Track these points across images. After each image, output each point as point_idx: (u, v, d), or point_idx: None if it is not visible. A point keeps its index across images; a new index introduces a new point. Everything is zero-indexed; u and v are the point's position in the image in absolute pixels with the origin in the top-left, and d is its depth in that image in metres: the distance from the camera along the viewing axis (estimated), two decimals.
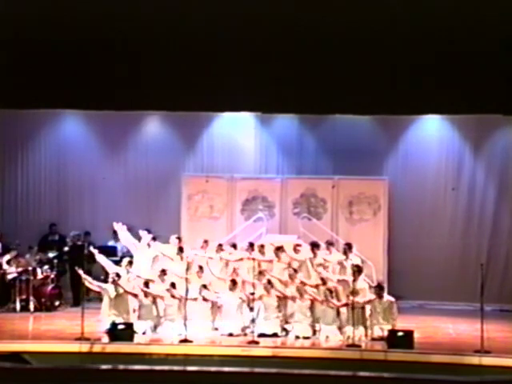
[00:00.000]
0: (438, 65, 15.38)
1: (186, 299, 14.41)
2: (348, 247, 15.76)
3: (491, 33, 14.90)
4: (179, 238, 16.33)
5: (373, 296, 14.56)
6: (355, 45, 15.24)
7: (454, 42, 15.10)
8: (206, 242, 16.21)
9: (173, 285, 14.89)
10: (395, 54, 15.29)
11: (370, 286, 15.00)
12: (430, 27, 15.02)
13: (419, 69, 15.38)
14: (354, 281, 14.51)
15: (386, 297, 14.65)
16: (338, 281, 15.07)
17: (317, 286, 14.95)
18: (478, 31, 14.88)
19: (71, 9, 15.05)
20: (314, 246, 15.81)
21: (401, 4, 14.79)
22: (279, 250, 15.76)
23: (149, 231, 16.46)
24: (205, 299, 14.82)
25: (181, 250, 15.81)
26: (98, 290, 15.27)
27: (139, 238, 16.35)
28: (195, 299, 14.68)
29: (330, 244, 16.01)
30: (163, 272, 15.30)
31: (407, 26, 15.03)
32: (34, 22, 15.22)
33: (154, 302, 14.89)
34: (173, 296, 14.74)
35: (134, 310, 14.87)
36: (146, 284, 14.93)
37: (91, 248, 15.72)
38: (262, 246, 16.01)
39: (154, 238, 16.28)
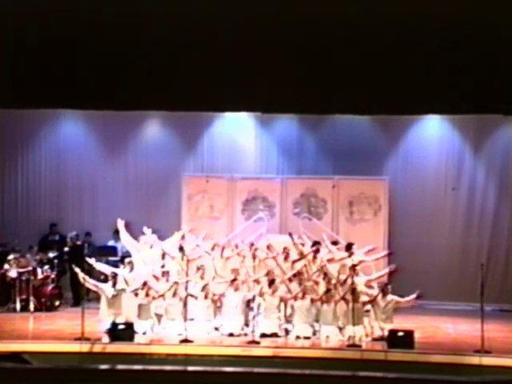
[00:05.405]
0: (439, 65, 15.38)
1: (187, 295, 14.40)
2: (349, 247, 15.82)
3: (491, 33, 14.91)
4: (183, 236, 16.35)
5: (376, 292, 14.60)
6: (355, 45, 15.25)
7: (454, 42, 15.11)
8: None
9: (176, 283, 14.90)
10: (395, 54, 15.30)
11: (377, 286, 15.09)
12: (429, 27, 15.02)
13: (419, 69, 15.39)
14: (353, 280, 14.55)
15: (390, 296, 14.67)
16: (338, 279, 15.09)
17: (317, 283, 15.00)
18: (478, 31, 14.89)
19: (71, 8, 15.05)
20: (316, 245, 15.83)
21: (401, 4, 14.80)
22: (285, 250, 15.82)
23: (152, 232, 16.43)
24: (206, 297, 14.83)
25: (181, 249, 15.80)
26: (94, 288, 15.25)
27: (139, 236, 16.33)
28: (196, 297, 14.69)
29: (334, 244, 16.03)
30: (167, 272, 15.32)
31: (407, 27, 15.03)
32: (34, 22, 15.22)
33: (154, 300, 14.89)
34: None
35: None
36: (145, 283, 14.93)
37: (87, 259, 15.48)
38: (269, 247, 16.03)
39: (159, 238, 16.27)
